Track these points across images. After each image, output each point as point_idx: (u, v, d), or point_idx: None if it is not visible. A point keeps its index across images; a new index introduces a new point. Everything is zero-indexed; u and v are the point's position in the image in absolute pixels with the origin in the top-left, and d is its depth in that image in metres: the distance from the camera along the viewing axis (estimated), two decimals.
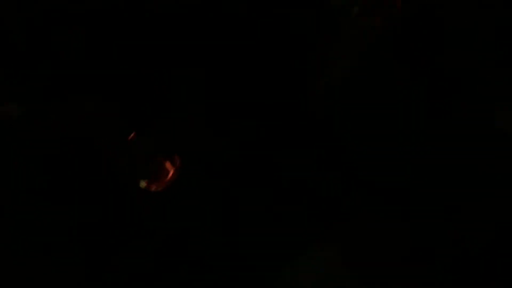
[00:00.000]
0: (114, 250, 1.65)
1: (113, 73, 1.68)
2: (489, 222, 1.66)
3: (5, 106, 1.65)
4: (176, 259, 1.65)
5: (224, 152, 1.74)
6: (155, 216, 1.68)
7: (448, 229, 1.67)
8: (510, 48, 1.81)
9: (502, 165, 1.71)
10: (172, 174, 1.68)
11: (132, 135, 1.66)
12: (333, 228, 1.68)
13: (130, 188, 1.66)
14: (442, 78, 1.81)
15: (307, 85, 1.81)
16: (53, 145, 1.66)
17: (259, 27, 1.79)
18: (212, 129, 1.75)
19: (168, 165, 1.68)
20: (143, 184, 1.67)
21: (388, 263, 1.65)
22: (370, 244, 1.68)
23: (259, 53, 1.79)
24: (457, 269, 1.63)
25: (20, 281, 1.60)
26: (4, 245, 1.62)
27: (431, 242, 1.66)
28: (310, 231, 1.68)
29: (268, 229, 1.68)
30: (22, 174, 1.66)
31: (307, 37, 1.82)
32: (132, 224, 1.66)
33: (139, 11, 1.70)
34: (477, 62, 1.82)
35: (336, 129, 1.79)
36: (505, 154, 1.72)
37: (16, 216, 1.64)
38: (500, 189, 1.68)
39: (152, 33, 1.72)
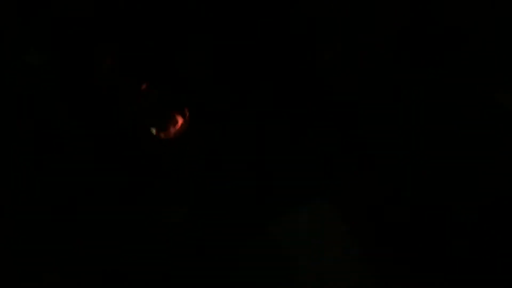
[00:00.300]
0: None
1: (129, 27, 1.79)
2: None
3: (27, 55, 1.75)
4: (181, 203, 1.74)
5: (232, 108, 1.85)
6: (164, 162, 1.78)
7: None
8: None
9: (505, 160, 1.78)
10: (181, 125, 1.79)
11: (144, 86, 1.77)
12: (334, 184, 1.78)
13: (141, 134, 1.76)
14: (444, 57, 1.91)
15: (314, 54, 1.91)
16: (72, 94, 1.76)
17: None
18: (222, 85, 1.86)
19: (178, 116, 1.79)
20: (153, 131, 1.77)
21: (387, 222, 1.72)
22: (370, 201, 1.75)
23: (269, 19, 1.90)
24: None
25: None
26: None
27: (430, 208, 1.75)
28: (311, 186, 1.78)
29: (271, 181, 1.77)
30: (42, 121, 1.75)
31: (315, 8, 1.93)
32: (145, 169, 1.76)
33: None
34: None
35: (340, 96, 1.89)
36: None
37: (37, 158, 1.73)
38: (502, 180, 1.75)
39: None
